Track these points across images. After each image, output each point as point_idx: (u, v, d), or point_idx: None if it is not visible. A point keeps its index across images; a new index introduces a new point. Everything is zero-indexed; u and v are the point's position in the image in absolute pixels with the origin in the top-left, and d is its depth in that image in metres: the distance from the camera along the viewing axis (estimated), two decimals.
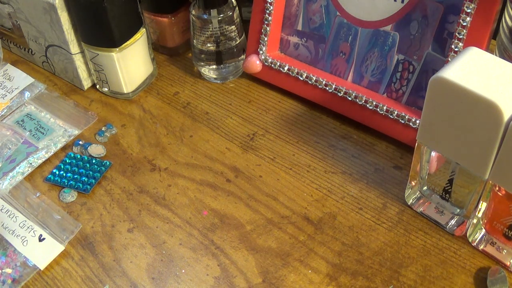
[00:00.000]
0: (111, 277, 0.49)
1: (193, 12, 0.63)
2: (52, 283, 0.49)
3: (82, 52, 0.65)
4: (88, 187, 0.56)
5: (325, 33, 0.62)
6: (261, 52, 0.65)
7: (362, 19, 0.59)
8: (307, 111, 0.63)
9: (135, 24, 0.63)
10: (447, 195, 0.49)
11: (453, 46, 0.52)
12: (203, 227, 0.52)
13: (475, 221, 0.48)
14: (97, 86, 0.68)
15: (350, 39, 0.60)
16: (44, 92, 0.67)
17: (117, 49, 0.62)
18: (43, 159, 0.60)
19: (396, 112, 0.56)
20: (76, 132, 0.63)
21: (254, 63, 0.65)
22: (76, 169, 0.58)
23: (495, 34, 0.54)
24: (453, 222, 0.50)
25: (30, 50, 0.71)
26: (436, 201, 0.50)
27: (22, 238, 0.51)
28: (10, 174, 0.58)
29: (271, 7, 0.62)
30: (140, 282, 0.49)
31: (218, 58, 0.66)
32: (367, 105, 0.58)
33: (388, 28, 0.57)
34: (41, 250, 0.51)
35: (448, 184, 0.48)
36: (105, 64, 0.63)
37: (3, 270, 0.49)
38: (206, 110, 0.65)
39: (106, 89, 0.67)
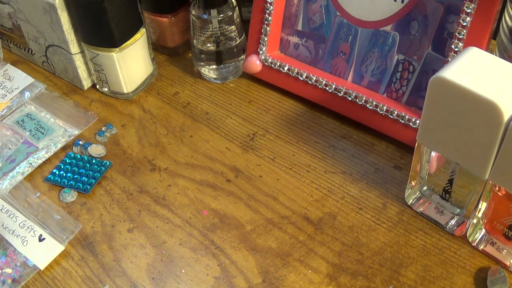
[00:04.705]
0: (111, 277, 0.49)
1: (193, 12, 0.63)
2: (52, 283, 0.49)
3: (82, 52, 0.65)
4: (88, 187, 0.56)
5: (325, 33, 0.62)
6: (261, 52, 0.65)
7: (362, 19, 0.59)
8: (307, 111, 0.63)
9: (135, 24, 0.63)
10: (447, 195, 0.49)
11: (453, 46, 0.52)
12: (203, 227, 0.52)
13: (475, 221, 0.48)
14: (97, 86, 0.68)
15: (350, 39, 0.60)
16: (44, 92, 0.67)
17: (117, 49, 0.62)
18: (43, 159, 0.60)
19: (396, 112, 0.56)
20: (76, 132, 0.63)
21: (254, 63, 0.65)
22: (76, 169, 0.58)
23: (495, 34, 0.54)
24: (453, 222, 0.50)
25: (30, 50, 0.71)
26: (436, 201, 0.50)
27: (22, 238, 0.51)
28: (10, 174, 0.58)
29: (271, 7, 0.62)
30: (140, 282, 0.49)
31: (218, 58, 0.66)
32: (367, 105, 0.58)
33: (388, 28, 0.57)
34: (41, 250, 0.51)
35: (448, 184, 0.48)
36: (105, 64, 0.63)
37: (3, 270, 0.49)
38: (206, 110, 0.65)
39: (106, 89, 0.67)
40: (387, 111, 0.57)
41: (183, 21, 0.70)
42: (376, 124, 0.58)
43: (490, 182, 0.43)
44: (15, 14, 0.67)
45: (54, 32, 0.64)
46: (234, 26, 0.64)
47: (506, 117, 0.38)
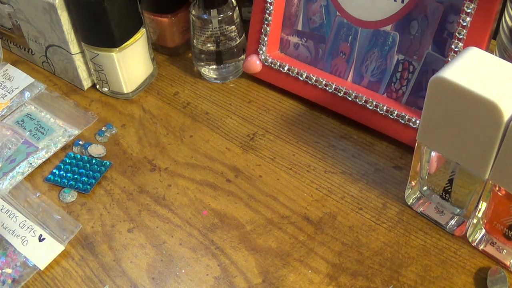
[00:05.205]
0: (111, 277, 0.49)
1: (193, 12, 0.63)
2: (52, 283, 0.49)
3: (82, 52, 0.65)
4: (88, 187, 0.56)
5: (325, 33, 0.62)
6: (261, 52, 0.65)
7: (362, 19, 0.59)
8: (307, 111, 0.63)
9: (135, 24, 0.63)
10: (447, 195, 0.49)
11: (453, 46, 0.52)
12: (203, 227, 0.52)
13: (475, 221, 0.48)
14: (97, 86, 0.68)
15: (350, 39, 0.60)
16: (44, 92, 0.67)
17: (117, 49, 0.62)
18: (43, 159, 0.60)
19: (396, 112, 0.56)
20: (76, 132, 0.63)
21: (254, 63, 0.65)
22: (76, 169, 0.58)
23: (495, 34, 0.54)
24: (453, 222, 0.50)
25: (30, 50, 0.71)
26: (436, 201, 0.50)
27: (22, 238, 0.51)
28: (10, 174, 0.58)
29: (271, 7, 0.62)
30: (140, 282, 0.49)
31: (218, 58, 0.66)
32: (367, 105, 0.58)
33: (388, 28, 0.57)
34: (41, 250, 0.51)
35: (448, 184, 0.48)
36: (105, 64, 0.63)
37: (3, 270, 0.49)
38: (206, 110, 0.65)
39: (106, 89, 0.67)
40: (387, 111, 0.57)
41: (183, 21, 0.70)
42: (376, 124, 0.58)
43: (490, 182, 0.43)
44: (15, 14, 0.67)
45: (54, 32, 0.64)
46: (234, 26, 0.64)
47: (506, 117, 0.38)
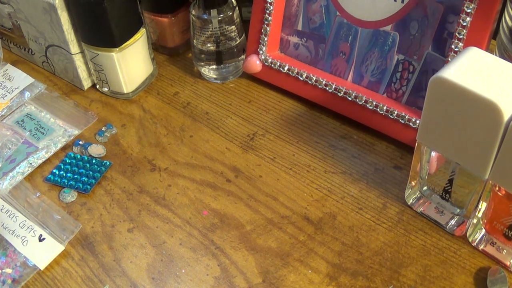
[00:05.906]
0: (111, 277, 0.49)
1: (193, 12, 0.63)
2: (52, 283, 0.49)
3: (82, 52, 0.65)
4: (88, 187, 0.56)
5: (325, 33, 0.62)
6: (261, 52, 0.65)
7: (362, 19, 0.59)
8: (307, 111, 0.63)
9: (135, 24, 0.63)
10: (447, 195, 0.49)
11: (453, 46, 0.52)
12: (203, 227, 0.52)
13: (475, 221, 0.48)
14: (97, 86, 0.68)
15: (350, 39, 0.60)
16: (44, 92, 0.67)
17: (117, 49, 0.62)
18: (43, 159, 0.60)
19: (396, 112, 0.56)
20: (76, 132, 0.63)
21: (254, 63, 0.65)
22: (76, 169, 0.58)
23: (495, 34, 0.54)
24: (453, 222, 0.50)
25: (30, 50, 0.71)
26: (436, 201, 0.50)
27: (22, 238, 0.51)
28: (10, 174, 0.58)
29: (271, 7, 0.62)
30: (140, 282, 0.49)
31: (218, 58, 0.66)
32: (367, 105, 0.58)
33: (388, 28, 0.57)
34: (41, 250, 0.51)
35: (448, 184, 0.48)
36: (105, 64, 0.63)
37: (3, 270, 0.49)
38: (206, 110, 0.65)
39: (106, 89, 0.67)
40: (387, 111, 0.57)
41: (183, 21, 0.70)
42: (376, 124, 0.58)
43: (490, 182, 0.43)
44: (15, 14, 0.67)
45: (54, 32, 0.64)
46: (234, 26, 0.64)
47: (506, 117, 0.38)
